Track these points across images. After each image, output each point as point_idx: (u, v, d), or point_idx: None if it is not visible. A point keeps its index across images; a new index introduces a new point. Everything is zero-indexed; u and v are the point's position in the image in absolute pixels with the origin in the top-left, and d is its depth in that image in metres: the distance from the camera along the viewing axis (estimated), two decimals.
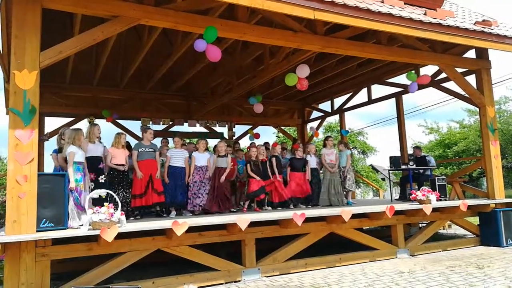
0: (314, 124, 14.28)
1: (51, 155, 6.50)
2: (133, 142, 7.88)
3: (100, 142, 6.64)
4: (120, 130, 10.12)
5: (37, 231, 4.63)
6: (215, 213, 7.29)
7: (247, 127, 13.81)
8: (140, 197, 6.73)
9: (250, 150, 8.30)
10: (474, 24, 7.49)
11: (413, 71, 9.21)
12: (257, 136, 13.33)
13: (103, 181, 6.32)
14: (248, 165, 8.03)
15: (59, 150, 6.17)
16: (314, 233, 6.47)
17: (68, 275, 5.14)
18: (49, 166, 10.56)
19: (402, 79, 11.30)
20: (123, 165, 6.75)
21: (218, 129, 13.06)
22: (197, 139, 8.69)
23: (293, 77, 8.20)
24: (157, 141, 9.04)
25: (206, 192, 7.42)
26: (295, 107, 14.35)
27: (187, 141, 9.44)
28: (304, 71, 8.08)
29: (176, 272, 5.61)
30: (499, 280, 5.14)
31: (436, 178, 8.65)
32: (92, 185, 6.06)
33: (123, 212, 5.04)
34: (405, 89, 11.03)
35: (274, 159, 8.43)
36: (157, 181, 6.92)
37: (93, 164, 6.26)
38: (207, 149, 8.15)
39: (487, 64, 8.53)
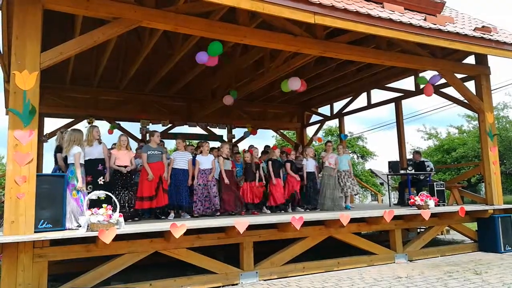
0: (313, 128, 14.32)
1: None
2: (132, 143, 7.89)
3: (100, 143, 6.64)
4: (120, 132, 10.12)
5: (35, 232, 4.62)
6: (234, 213, 7.52)
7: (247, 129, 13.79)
8: (149, 199, 6.70)
9: (244, 154, 8.30)
10: (474, 30, 7.52)
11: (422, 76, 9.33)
12: (254, 132, 13.30)
13: (101, 183, 6.33)
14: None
15: (59, 150, 6.17)
16: (313, 237, 6.46)
17: (65, 277, 5.13)
18: (48, 167, 10.56)
19: (401, 84, 11.40)
20: (127, 166, 6.75)
21: (217, 131, 13.09)
22: (196, 141, 8.70)
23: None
24: None
25: (214, 195, 7.41)
26: (295, 111, 14.37)
27: (187, 143, 9.43)
28: (294, 84, 8.18)
29: (174, 274, 5.60)
30: (496, 286, 5.13)
31: (434, 183, 8.65)
32: (90, 187, 6.06)
33: (122, 214, 5.04)
34: (406, 94, 11.09)
35: (270, 163, 8.42)
36: (165, 183, 6.96)
37: (91, 167, 6.26)
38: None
39: (487, 70, 8.56)
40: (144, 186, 6.76)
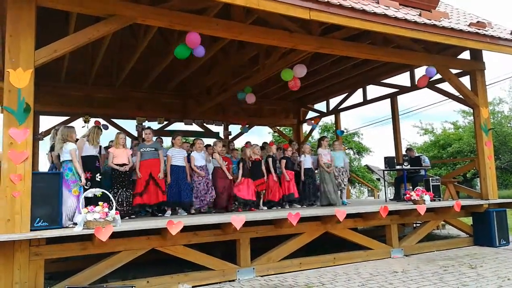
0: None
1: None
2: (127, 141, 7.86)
3: (98, 143, 6.64)
4: (117, 130, 10.10)
5: (31, 230, 4.62)
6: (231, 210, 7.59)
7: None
8: (140, 195, 6.75)
9: (246, 149, 8.29)
10: (469, 25, 7.54)
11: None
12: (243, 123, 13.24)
13: (98, 179, 6.32)
14: (241, 164, 8.05)
15: (53, 148, 6.15)
16: (309, 232, 6.48)
17: (62, 275, 5.12)
18: (44, 165, 10.53)
19: (397, 79, 11.39)
20: (125, 164, 6.73)
21: (213, 128, 13.08)
22: (192, 138, 8.70)
23: (290, 72, 8.22)
24: None
25: (210, 191, 7.43)
26: (291, 107, 14.36)
27: (183, 140, 9.42)
28: (301, 71, 8.11)
29: (171, 271, 5.59)
30: (491, 280, 5.18)
31: (430, 178, 8.69)
32: (89, 184, 6.05)
33: (118, 212, 5.03)
34: (401, 90, 11.10)
35: (270, 160, 8.44)
36: (160, 180, 6.92)
37: (90, 163, 6.25)
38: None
39: (481, 65, 8.59)
40: (137, 183, 6.87)
